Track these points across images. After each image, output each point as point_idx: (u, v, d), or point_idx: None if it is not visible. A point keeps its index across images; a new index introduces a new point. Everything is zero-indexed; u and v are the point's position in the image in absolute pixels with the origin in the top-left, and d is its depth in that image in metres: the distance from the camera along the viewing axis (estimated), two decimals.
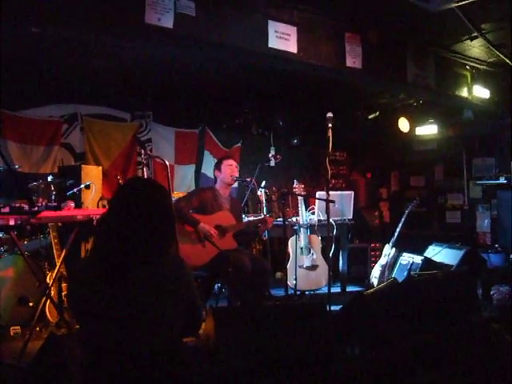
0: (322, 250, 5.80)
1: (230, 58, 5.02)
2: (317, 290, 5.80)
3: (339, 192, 6.45)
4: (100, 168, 5.96)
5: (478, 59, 6.06)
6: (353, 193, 6.49)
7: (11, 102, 5.81)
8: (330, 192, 4.41)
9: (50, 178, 4.76)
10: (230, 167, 4.81)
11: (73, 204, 4.61)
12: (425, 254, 6.23)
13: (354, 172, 9.14)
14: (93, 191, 5.22)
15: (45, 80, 5.87)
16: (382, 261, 6.36)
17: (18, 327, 4.33)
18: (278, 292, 5.80)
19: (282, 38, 4.39)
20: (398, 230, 6.35)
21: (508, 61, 5.65)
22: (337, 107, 5.13)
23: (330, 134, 4.32)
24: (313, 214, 6.06)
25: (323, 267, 5.70)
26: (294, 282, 5.41)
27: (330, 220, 4.55)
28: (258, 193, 5.93)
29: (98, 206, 5.26)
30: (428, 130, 7.59)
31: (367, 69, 5.07)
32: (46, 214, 3.67)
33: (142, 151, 4.98)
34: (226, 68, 5.75)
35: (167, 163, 4.14)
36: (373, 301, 3.16)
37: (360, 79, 5.44)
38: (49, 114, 6.30)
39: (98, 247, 2.02)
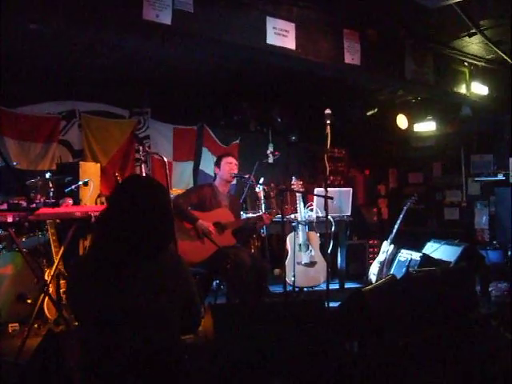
0: (321, 246, 5.80)
1: (228, 54, 5.01)
2: (315, 286, 5.80)
3: (337, 189, 6.46)
4: (98, 165, 5.95)
5: (476, 56, 6.06)
6: (351, 189, 6.49)
7: (9, 99, 5.80)
8: (329, 189, 4.40)
9: (48, 175, 4.75)
10: (230, 165, 4.81)
11: (71, 201, 4.61)
12: (423, 251, 6.23)
13: (352, 169, 9.14)
14: (91, 188, 5.20)
15: (43, 77, 5.85)
16: (381, 257, 6.37)
17: (17, 324, 4.34)
18: (277, 289, 5.81)
19: (281, 35, 4.39)
20: (396, 226, 6.36)
21: (506, 57, 5.65)
22: (335, 104, 5.12)
23: (328, 130, 4.31)
24: (311, 210, 6.06)
25: (321, 264, 5.70)
26: (293, 278, 5.41)
27: (329, 217, 4.54)
28: (257, 189, 5.93)
29: (96, 203, 5.25)
30: (426, 126, 7.59)
31: (366, 65, 5.06)
32: (44, 210, 3.66)
33: (141, 148, 4.96)
34: (224, 64, 5.74)
35: (165, 160, 4.14)
36: (371, 297, 3.15)
37: (358, 76, 5.45)
38: (47, 110, 6.28)
39: (96, 244, 2.02)
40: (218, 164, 4.90)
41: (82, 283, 1.93)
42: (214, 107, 7.33)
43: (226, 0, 4.09)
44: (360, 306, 3.12)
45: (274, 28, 4.34)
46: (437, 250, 6.21)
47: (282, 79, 6.21)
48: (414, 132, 7.67)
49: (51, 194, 4.61)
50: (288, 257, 5.55)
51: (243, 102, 7.23)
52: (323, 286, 5.52)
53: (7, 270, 4.51)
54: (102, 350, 1.88)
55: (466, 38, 5.45)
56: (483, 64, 6.19)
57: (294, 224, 5.79)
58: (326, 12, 4.75)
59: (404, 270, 6.02)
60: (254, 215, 5.27)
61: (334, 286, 6.30)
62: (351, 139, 8.54)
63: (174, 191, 5.77)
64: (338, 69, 5.02)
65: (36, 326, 4.23)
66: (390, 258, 6.31)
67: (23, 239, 4.72)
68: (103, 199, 5.29)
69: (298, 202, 5.87)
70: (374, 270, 6.38)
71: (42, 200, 3.84)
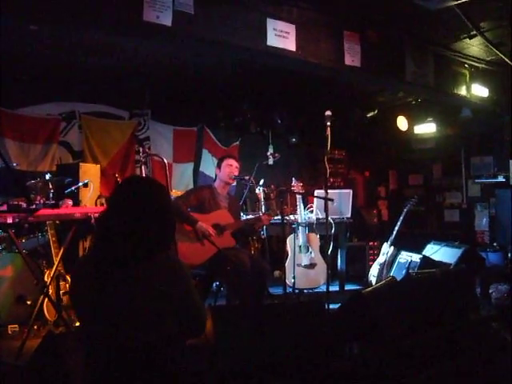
0: (321, 248, 5.79)
1: (228, 55, 5.01)
2: (315, 288, 5.78)
3: (338, 190, 6.44)
4: (98, 166, 5.95)
5: (476, 58, 6.06)
6: (351, 191, 6.48)
7: (9, 100, 5.79)
8: (329, 190, 4.39)
9: (47, 176, 4.74)
10: (230, 167, 4.80)
11: (71, 202, 4.60)
12: (423, 253, 6.22)
13: (352, 170, 9.14)
14: (91, 189, 5.20)
15: (43, 78, 5.85)
16: (381, 259, 6.36)
17: (16, 325, 4.33)
18: (277, 290, 5.79)
19: (281, 36, 4.39)
20: (396, 228, 6.35)
21: (507, 59, 5.65)
22: (335, 105, 5.12)
23: (328, 132, 4.30)
24: (311, 212, 6.05)
25: (322, 265, 5.69)
26: (293, 280, 5.40)
27: (329, 218, 4.53)
28: (257, 191, 5.93)
29: (96, 204, 5.25)
30: (426, 128, 7.58)
31: (366, 67, 5.06)
32: (43, 212, 3.66)
33: (141, 149, 4.97)
34: (224, 66, 5.74)
35: (165, 161, 4.15)
36: (371, 299, 3.15)
37: (359, 77, 5.44)
38: (47, 111, 6.29)
39: (97, 245, 2.02)
40: (219, 165, 4.90)
41: (83, 283, 1.94)
42: (214, 109, 7.33)
43: (226, 1, 4.09)
44: (360, 308, 3.11)
45: (274, 29, 4.34)
46: (437, 252, 6.20)
47: (282, 81, 6.21)
48: (414, 134, 7.67)
49: (51, 195, 4.60)
50: (288, 258, 5.54)
51: (243, 104, 7.24)
52: (323, 288, 5.50)
53: (7, 271, 4.50)
54: (103, 349, 1.88)
55: (467, 40, 5.46)
56: (483, 66, 6.19)
57: (294, 226, 5.78)
58: (327, 13, 4.75)
59: (404, 271, 6.02)
60: (252, 217, 5.26)
61: (334, 287, 6.29)
62: (351, 141, 8.54)
63: (174, 193, 5.76)
64: (338, 70, 5.02)
65: (35, 327, 4.24)
66: (390, 260, 6.30)
67: (23, 240, 4.73)
68: (103, 200, 5.28)
69: (298, 203, 5.86)
70: (374, 272, 6.38)
71: (41, 201, 3.85)
